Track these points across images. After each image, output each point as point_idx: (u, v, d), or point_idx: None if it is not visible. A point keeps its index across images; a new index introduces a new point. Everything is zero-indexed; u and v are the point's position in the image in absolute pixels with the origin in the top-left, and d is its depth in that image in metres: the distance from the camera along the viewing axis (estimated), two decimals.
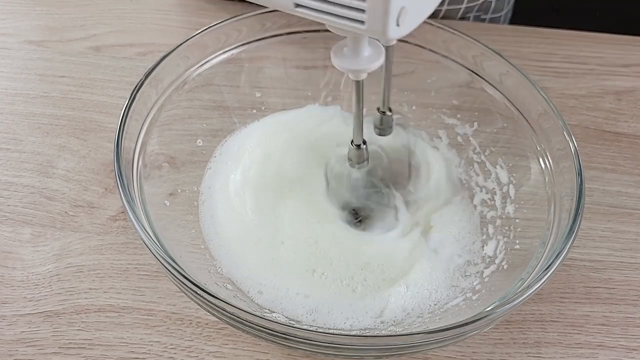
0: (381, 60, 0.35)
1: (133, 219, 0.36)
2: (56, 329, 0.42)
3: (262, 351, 0.42)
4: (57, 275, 0.45)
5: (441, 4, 0.67)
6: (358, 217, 0.48)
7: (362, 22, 0.28)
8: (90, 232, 0.48)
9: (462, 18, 0.71)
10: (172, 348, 0.42)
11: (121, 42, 0.64)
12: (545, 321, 0.45)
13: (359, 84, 0.37)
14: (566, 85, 0.62)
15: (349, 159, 0.44)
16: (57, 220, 0.49)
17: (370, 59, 0.34)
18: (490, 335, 0.44)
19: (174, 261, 0.36)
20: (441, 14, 0.68)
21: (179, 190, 0.47)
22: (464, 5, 0.68)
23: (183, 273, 0.34)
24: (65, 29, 0.65)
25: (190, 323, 0.43)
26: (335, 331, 0.41)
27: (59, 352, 0.41)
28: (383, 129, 0.46)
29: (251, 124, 0.52)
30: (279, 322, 0.35)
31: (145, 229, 0.36)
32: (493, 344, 0.43)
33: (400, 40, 0.48)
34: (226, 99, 0.51)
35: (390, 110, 0.45)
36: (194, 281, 0.34)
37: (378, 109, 0.45)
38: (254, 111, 0.52)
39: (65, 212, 0.49)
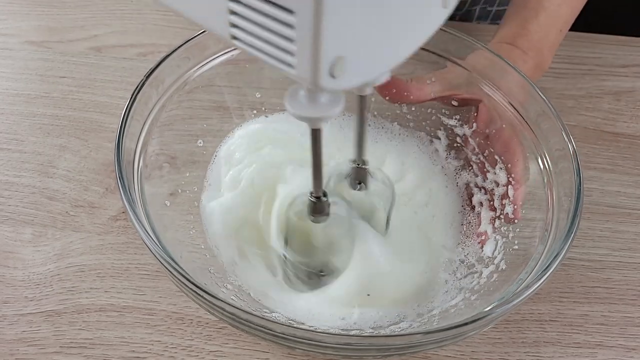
0: (340, 107, 0.30)
1: (134, 219, 0.37)
2: (57, 329, 0.43)
3: (262, 350, 0.42)
4: (58, 274, 0.45)
5: None
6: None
7: (292, 66, 0.25)
8: (91, 232, 0.48)
9: (469, 11, 0.71)
10: (172, 347, 0.42)
11: (122, 42, 0.64)
12: (544, 321, 0.45)
13: (316, 133, 0.33)
14: (565, 86, 0.62)
15: (308, 212, 0.40)
16: (58, 220, 0.49)
17: (329, 106, 0.30)
18: (490, 334, 0.44)
19: (174, 261, 0.36)
20: None
21: (180, 191, 0.47)
22: None
23: (183, 273, 0.35)
24: (66, 30, 0.65)
25: (191, 322, 0.43)
26: (333, 331, 0.41)
27: (60, 352, 0.42)
28: (358, 182, 0.42)
29: (251, 124, 0.52)
30: (278, 322, 0.35)
31: (145, 230, 0.37)
32: (492, 343, 0.43)
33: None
34: (226, 100, 0.52)
35: (365, 163, 0.41)
36: (194, 281, 0.34)
37: (353, 161, 0.41)
38: (254, 112, 0.52)
39: (66, 212, 0.49)
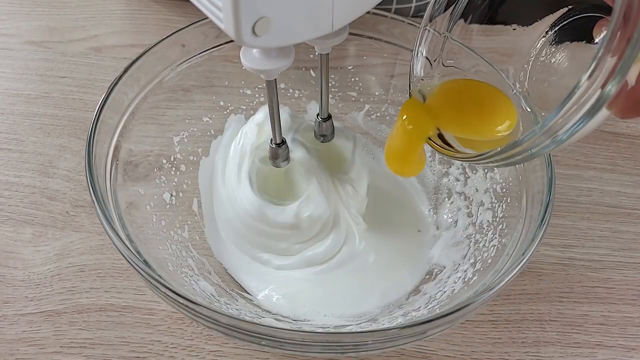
0: (291, 60, 0.33)
1: (100, 212, 0.37)
2: (57, 329, 0.43)
3: (262, 350, 0.42)
4: (59, 274, 0.45)
5: (390, 2, 0.65)
6: None
7: (221, 20, 0.27)
8: (92, 232, 0.48)
9: (415, 16, 0.68)
10: (172, 347, 0.42)
11: (122, 42, 0.64)
12: (544, 320, 0.45)
13: (271, 84, 0.36)
14: None
15: (270, 158, 0.43)
16: (58, 220, 0.49)
17: (280, 59, 0.33)
18: (490, 334, 0.44)
19: (150, 267, 0.36)
20: (392, 12, 0.62)
21: (179, 190, 0.47)
22: (414, 4, 0.66)
23: (168, 285, 0.34)
24: (66, 30, 0.65)
25: (191, 322, 0.43)
26: (313, 329, 0.41)
27: (60, 352, 0.42)
28: (322, 135, 0.45)
29: (250, 123, 0.52)
30: (273, 326, 0.34)
31: (122, 239, 0.37)
32: (492, 343, 0.43)
33: (396, 45, 0.49)
34: (225, 99, 0.52)
35: (329, 117, 0.44)
36: (179, 292, 0.34)
37: (318, 115, 0.44)
38: (252, 111, 0.52)
39: (67, 212, 0.49)
